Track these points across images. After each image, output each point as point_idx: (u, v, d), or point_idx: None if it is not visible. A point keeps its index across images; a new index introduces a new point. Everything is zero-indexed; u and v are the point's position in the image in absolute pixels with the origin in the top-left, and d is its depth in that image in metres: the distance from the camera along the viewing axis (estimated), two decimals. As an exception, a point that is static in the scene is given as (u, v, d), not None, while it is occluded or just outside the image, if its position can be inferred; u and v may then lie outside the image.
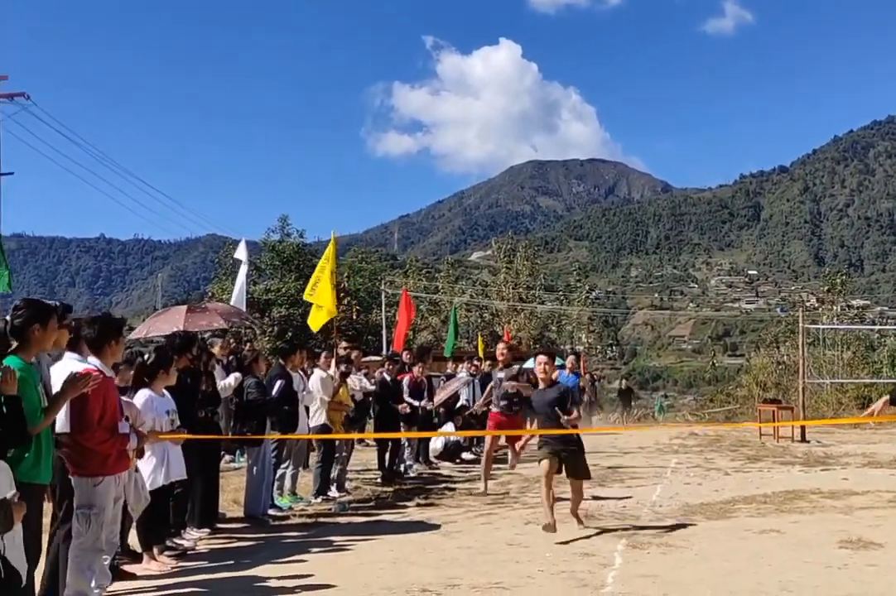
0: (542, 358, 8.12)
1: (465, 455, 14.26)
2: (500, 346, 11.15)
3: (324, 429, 9.97)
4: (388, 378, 11.95)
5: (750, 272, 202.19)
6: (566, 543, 7.10)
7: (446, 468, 13.21)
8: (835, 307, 48.29)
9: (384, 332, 39.70)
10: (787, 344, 34.03)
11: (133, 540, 6.58)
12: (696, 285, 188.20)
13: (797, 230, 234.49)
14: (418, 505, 9.53)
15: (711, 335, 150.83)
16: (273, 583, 5.88)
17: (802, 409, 18.80)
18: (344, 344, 11.72)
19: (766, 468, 12.58)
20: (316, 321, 11.86)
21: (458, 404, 14.36)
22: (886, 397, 6.02)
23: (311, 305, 12.08)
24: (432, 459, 13.61)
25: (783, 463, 13.21)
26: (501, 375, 10.36)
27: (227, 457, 11.82)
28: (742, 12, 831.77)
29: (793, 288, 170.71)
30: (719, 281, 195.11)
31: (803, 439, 16.89)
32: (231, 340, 12.31)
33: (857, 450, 15.10)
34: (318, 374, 10.12)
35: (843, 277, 52.49)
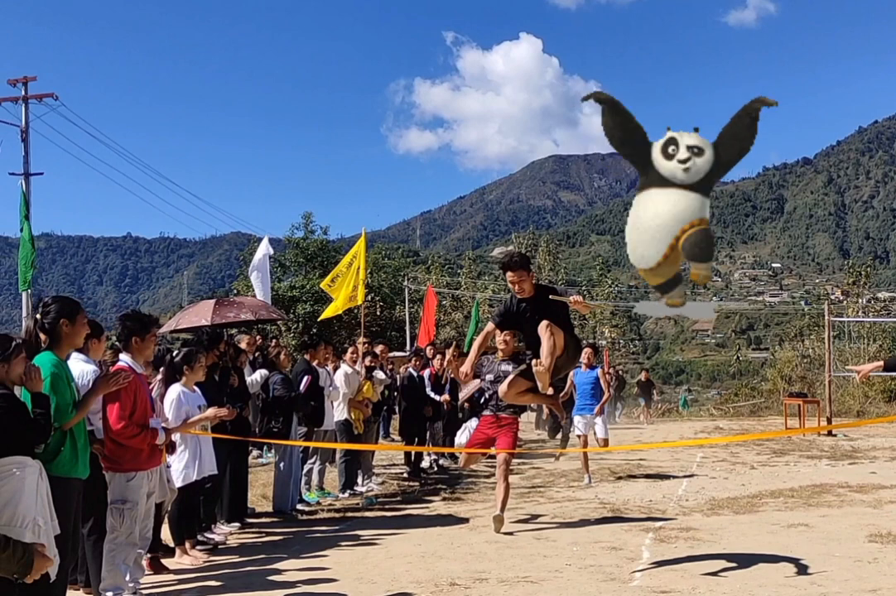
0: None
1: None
2: (502, 334, 8.30)
3: (345, 424, 10.03)
4: (415, 373, 12.00)
5: (773, 265, 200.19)
6: (593, 537, 7.12)
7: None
8: (860, 300, 47.93)
9: (408, 328, 39.75)
10: (812, 337, 33.80)
11: (166, 534, 6.67)
12: (720, 279, 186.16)
13: (821, 222, 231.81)
14: (444, 499, 9.58)
15: (735, 329, 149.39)
16: (303, 577, 5.93)
17: (829, 402, 18.69)
18: (362, 340, 11.81)
19: (792, 462, 12.54)
20: (327, 312, 13.13)
21: (483, 399, 14.32)
22: (880, 363, 5.98)
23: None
24: (457, 454, 13.63)
25: (810, 457, 13.15)
26: (507, 367, 8.16)
27: (255, 452, 11.92)
28: (764, 3, 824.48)
29: (817, 281, 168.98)
30: (742, 274, 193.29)
31: (830, 433, 16.80)
32: (257, 337, 12.42)
33: (885, 443, 15.01)
34: (343, 369, 10.17)
35: (868, 270, 52.07)
